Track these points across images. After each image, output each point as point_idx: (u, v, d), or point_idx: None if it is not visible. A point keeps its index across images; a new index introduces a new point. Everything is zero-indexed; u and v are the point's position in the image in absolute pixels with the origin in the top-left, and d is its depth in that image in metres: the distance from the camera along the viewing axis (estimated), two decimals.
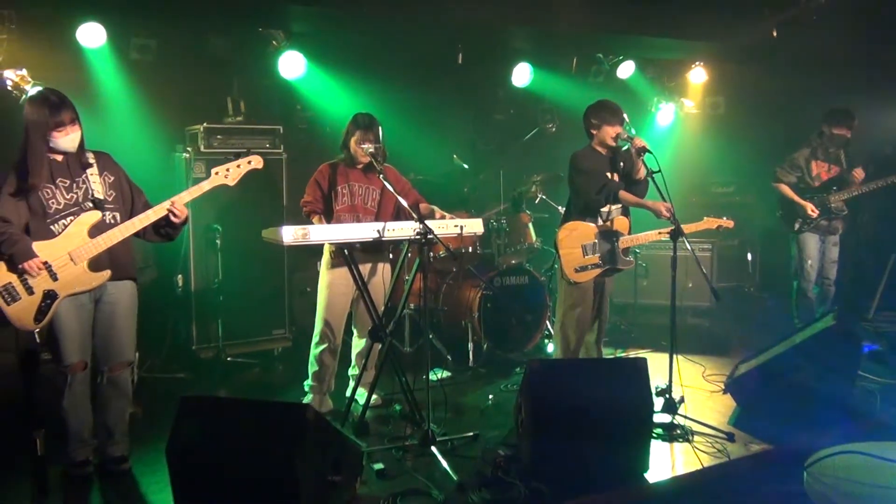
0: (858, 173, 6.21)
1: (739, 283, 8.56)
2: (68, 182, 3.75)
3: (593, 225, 4.89)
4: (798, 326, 6.44)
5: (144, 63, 6.03)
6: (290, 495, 3.09)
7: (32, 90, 5.33)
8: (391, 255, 5.11)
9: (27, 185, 3.62)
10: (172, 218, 3.83)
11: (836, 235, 6.48)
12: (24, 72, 5.41)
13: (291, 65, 6.41)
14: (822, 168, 6.40)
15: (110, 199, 3.84)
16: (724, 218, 5.04)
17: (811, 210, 6.28)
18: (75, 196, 3.75)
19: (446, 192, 6.99)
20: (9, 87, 5.39)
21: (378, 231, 4.29)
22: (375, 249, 4.80)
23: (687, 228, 4.71)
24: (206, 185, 3.91)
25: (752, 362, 5.04)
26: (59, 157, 3.74)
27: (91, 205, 3.77)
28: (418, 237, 4.12)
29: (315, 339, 4.87)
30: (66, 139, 3.68)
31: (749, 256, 8.60)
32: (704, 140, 8.64)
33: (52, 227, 3.68)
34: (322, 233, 4.32)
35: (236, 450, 3.20)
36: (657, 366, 4.72)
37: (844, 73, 7.49)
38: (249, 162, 4.02)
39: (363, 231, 4.33)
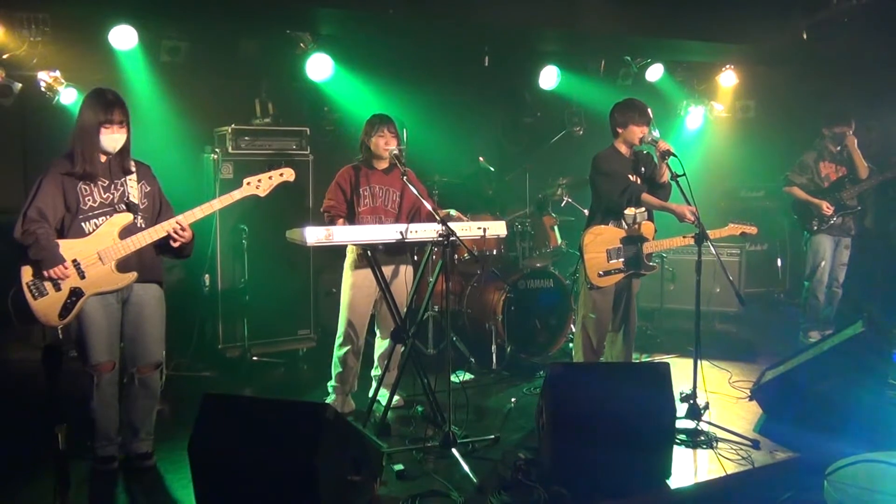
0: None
1: (769, 289, 8.45)
2: (107, 182, 3.81)
3: (619, 229, 4.86)
4: (803, 327, 6.52)
5: (174, 65, 6.11)
6: (310, 494, 3.11)
7: (65, 91, 5.48)
8: (415, 258, 5.13)
9: (83, 172, 3.70)
10: (172, 241, 3.84)
11: (848, 238, 6.52)
12: (58, 73, 5.53)
13: (319, 67, 6.44)
14: (829, 169, 6.51)
15: (143, 207, 3.90)
16: (749, 224, 4.99)
17: (826, 207, 6.35)
18: (111, 196, 3.82)
19: (472, 194, 7.01)
20: (42, 88, 5.51)
21: (401, 233, 4.31)
22: (398, 251, 4.82)
23: (711, 234, 4.67)
24: (236, 195, 3.95)
25: (780, 369, 4.96)
26: (103, 158, 3.80)
27: (124, 207, 3.83)
28: (441, 239, 4.13)
29: (338, 339, 4.90)
30: (111, 138, 3.74)
31: (779, 262, 8.48)
32: (734, 144, 8.55)
33: (83, 224, 3.74)
34: (345, 234, 4.34)
35: (257, 448, 3.23)
36: (683, 371, 4.68)
37: (876, 75, 7.37)
38: (282, 174, 4.05)
39: (387, 232, 4.34)
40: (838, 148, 6.44)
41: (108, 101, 3.72)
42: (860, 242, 6.66)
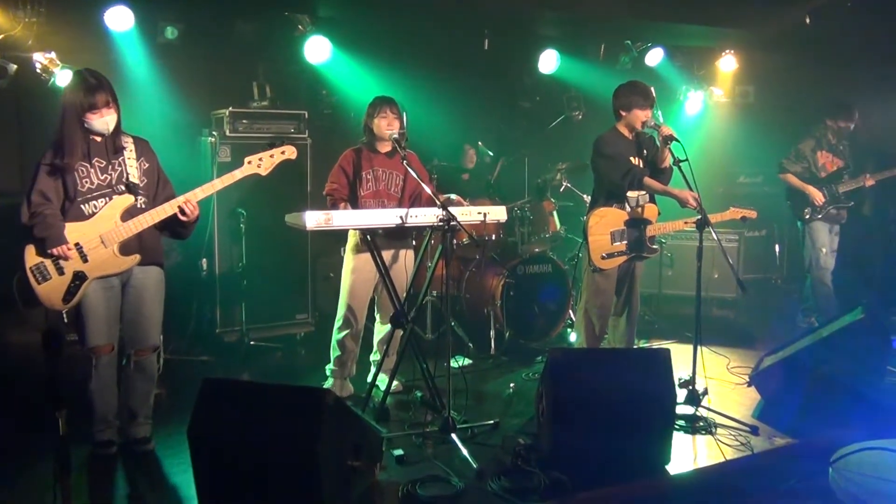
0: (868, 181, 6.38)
1: (766, 275, 8.46)
2: (104, 163, 3.77)
3: (622, 211, 4.84)
4: (807, 317, 6.58)
5: (171, 47, 6.04)
6: (310, 479, 3.10)
7: (61, 73, 5.41)
8: (414, 242, 5.11)
9: (62, 164, 3.65)
10: (181, 216, 3.81)
11: (838, 226, 6.54)
12: (53, 55, 5.46)
13: (317, 50, 6.39)
14: (826, 159, 6.50)
15: (143, 185, 3.86)
16: (749, 208, 4.99)
17: (819, 197, 6.33)
18: (109, 178, 3.77)
19: (470, 178, 6.98)
20: (38, 70, 5.45)
21: (401, 217, 4.28)
22: (399, 236, 4.80)
23: (712, 218, 4.65)
24: (238, 174, 3.90)
25: (778, 355, 4.97)
26: (98, 138, 3.76)
27: (124, 188, 3.79)
28: (441, 224, 4.11)
29: (337, 323, 4.89)
30: (100, 121, 3.69)
31: (777, 248, 8.48)
32: (733, 129, 8.51)
33: (82, 206, 3.71)
34: (345, 218, 4.32)
35: (256, 433, 3.22)
36: (681, 357, 4.67)
37: (879, 61, 7.33)
38: (283, 152, 4.00)
39: (386, 217, 4.32)
40: (836, 140, 6.43)
41: (90, 87, 3.64)
42: (859, 230, 6.65)
